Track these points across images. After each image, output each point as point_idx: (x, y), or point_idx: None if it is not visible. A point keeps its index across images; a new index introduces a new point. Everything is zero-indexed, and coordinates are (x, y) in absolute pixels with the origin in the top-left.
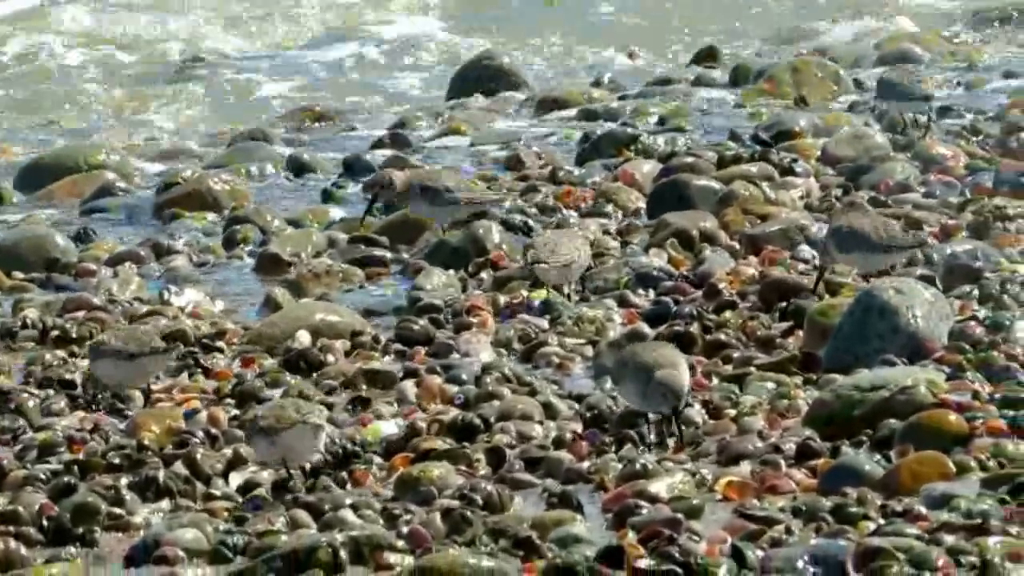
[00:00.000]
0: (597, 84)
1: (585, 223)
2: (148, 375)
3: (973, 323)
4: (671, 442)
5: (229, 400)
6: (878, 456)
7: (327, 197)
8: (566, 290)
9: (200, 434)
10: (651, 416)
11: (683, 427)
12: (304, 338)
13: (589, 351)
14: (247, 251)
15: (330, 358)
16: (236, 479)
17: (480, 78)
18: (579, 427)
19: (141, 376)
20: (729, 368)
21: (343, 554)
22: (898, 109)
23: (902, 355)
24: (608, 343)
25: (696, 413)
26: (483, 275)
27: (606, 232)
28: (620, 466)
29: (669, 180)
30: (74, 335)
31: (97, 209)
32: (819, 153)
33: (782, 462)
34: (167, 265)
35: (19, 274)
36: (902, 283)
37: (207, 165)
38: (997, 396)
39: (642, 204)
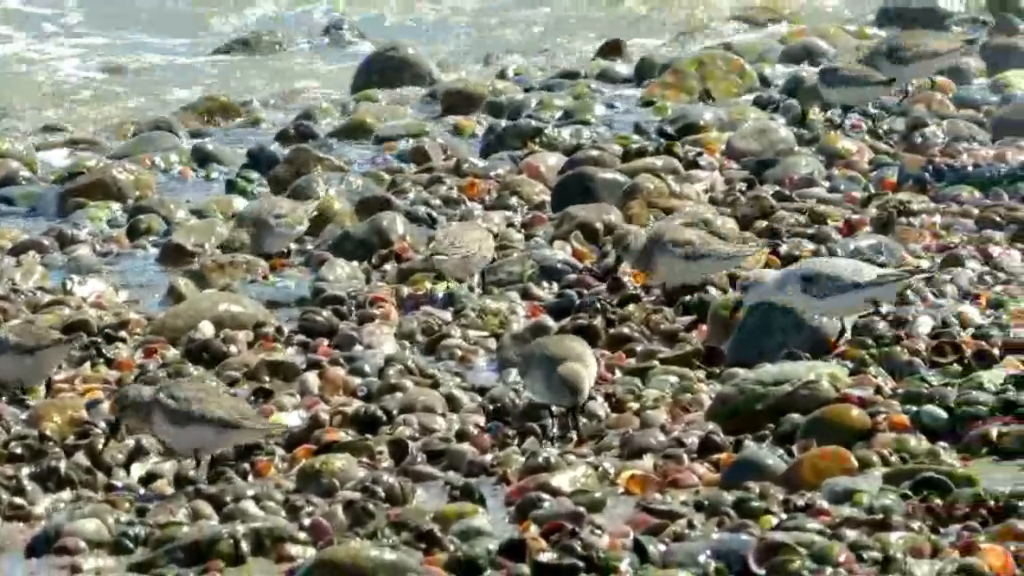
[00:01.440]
0: (502, 76)
1: (489, 215)
2: (49, 368)
3: (876, 318)
4: (574, 435)
5: None
6: (781, 451)
7: (231, 188)
8: (469, 282)
9: (102, 424)
10: (554, 409)
11: (585, 421)
12: (207, 329)
13: (492, 344)
14: (151, 241)
15: (233, 349)
16: (138, 470)
17: (384, 70)
18: (482, 420)
19: (42, 370)
20: (632, 361)
21: (244, 545)
22: (846, 96)
23: (805, 349)
24: (512, 336)
25: (599, 406)
26: (387, 267)
27: (510, 225)
28: (523, 459)
29: (574, 173)
30: None
31: (0, 198)
32: (724, 147)
33: (685, 456)
34: (70, 255)
35: None
36: None
37: (112, 155)
38: (900, 391)
39: (547, 197)
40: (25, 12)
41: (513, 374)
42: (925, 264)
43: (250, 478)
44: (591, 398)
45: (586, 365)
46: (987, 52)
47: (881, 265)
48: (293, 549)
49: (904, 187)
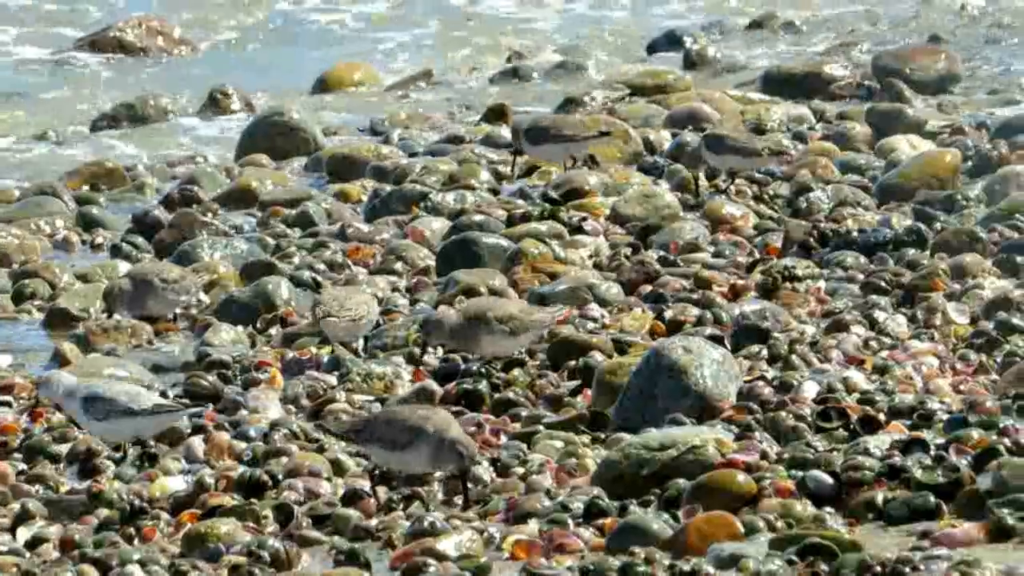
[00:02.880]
0: (387, 141)
1: (374, 280)
2: None
3: (761, 383)
4: (459, 500)
5: (16, 454)
6: (666, 515)
7: (116, 252)
8: (354, 345)
9: None
10: (439, 474)
11: (470, 485)
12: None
13: (377, 407)
14: (36, 306)
15: None
16: (24, 534)
17: (269, 134)
18: (367, 484)
19: None
20: (517, 426)
21: None
22: (730, 164)
23: (691, 414)
24: (398, 401)
25: (484, 471)
26: (272, 331)
27: (395, 289)
28: (408, 524)
29: (459, 238)
30: None
31: None
32: (608, 212)
33: (570, 521)
34: None
35: None
36: (691, 342)
37: None
38: (786, 456)
39: (432, 261)
40: None
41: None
42: None
43: (136, 542)
44: (476, 463)
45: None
46: (873, 117)
47: (765, 332)
48: None
49: (789, 252)
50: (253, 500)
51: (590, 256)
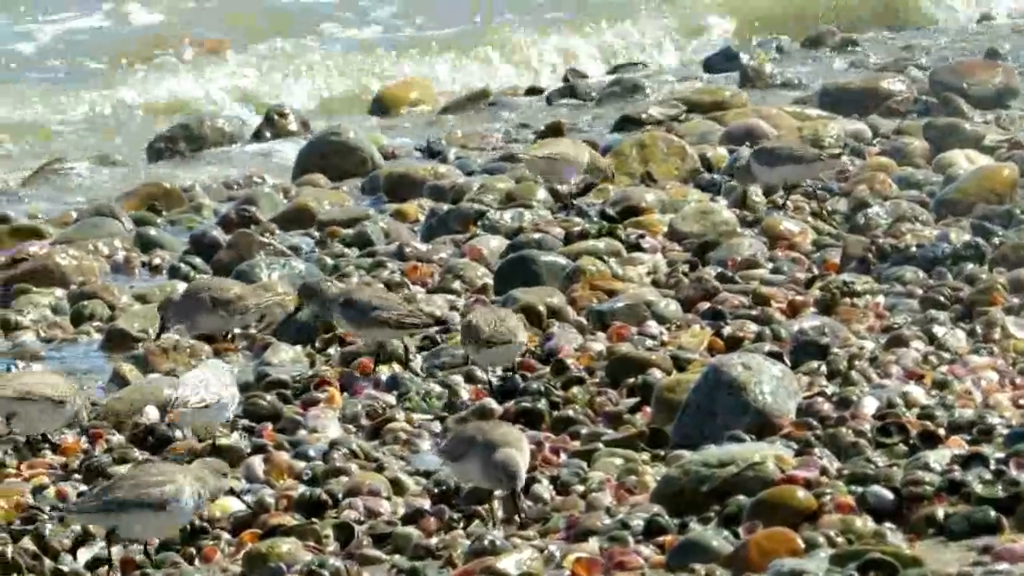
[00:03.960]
0: (443, 160)
1: (432, 299)
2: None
3: (821, 399)
4: (517, 519)
5: (77, 476)
6: (726, 532)
7: (175, 273)
8: (415, 363)
9: (48, 510)
10: (497, 492)
11: (530, 504)
12: (152, 413)
13: (436, 427)
14: (95, 327)
15: (178, 434)
16: (84, 555)
17: (326, 154)
18: (427, 503)
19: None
20: (577, 444)
21: None
22: (785, 175)
23: (750, 431)
24: (456, 420)
25: (544, 489)
26: (331, 351)
27: (453, 308)
28: (468, 542)
29: (516, 256)
30: None
31: None
32: (666, 229)
33: (630, 538)
34: (14, 341)
35: None
36: (750, 359)
37: (54, 241)
38: (845, 472)
39: (489, 280)
40: None
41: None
42: None
43: (197, 563)
44: (535, 481)
45: (521, 450)
46: (930, 132)
47: (824, 348)
48: None
49: (847, 268)
50: (314, 519)
51: (648, 273)
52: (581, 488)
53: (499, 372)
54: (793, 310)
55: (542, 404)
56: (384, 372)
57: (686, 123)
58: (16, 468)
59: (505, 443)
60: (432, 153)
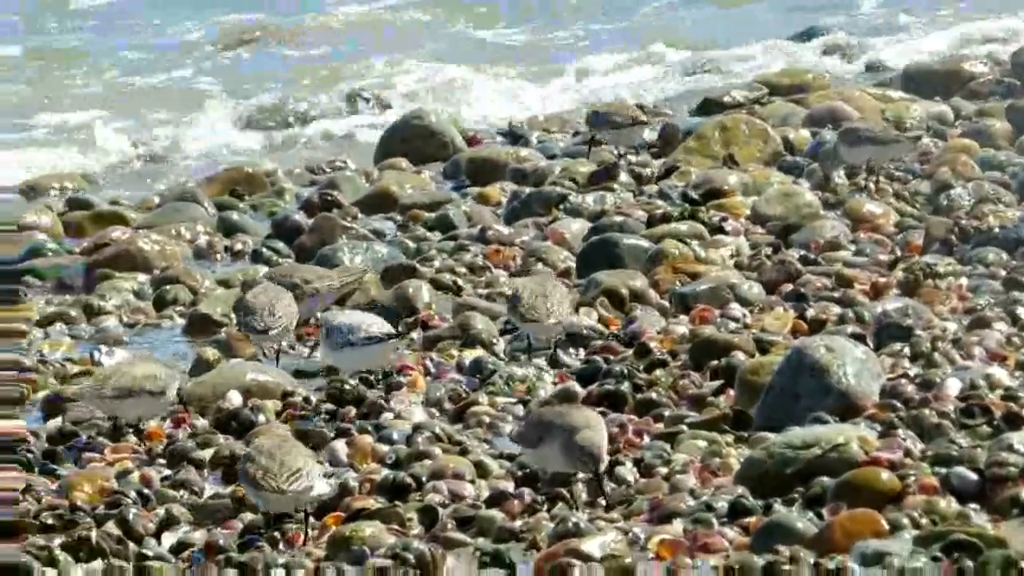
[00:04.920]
0: (526, 144)
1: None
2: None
3: (904, 381)
4: (600, 501)
5: (161, 460)
6: (810, 514)
7: (257, 258)
8: (499, 347)
9: (132, 494)
10: (580, 475)
11: (614, 486)
12: (235, 398)
13: (520, 410)
14: (177, 312)
15: (261, 418)
16: (169, 539)
17: (408, 138)
18: (511, 486)
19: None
20: (660, 426)
21: None
22: (868, 155)
23: (834, 413)
24: (540, 403)
25: (628, 472)
26: (413, 334)
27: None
28: (552, 525)
29: (599, 239)
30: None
31: (27, 270)
32: (748, 211)
33: (714, 520)
34: (97, 326)
35: None
36: (833, 341)
37: (137, 226)
38: (929, 453)
39: (572, 263)
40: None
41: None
42: None
43: (281, 546)
44: (619, 463)
45: (600, 432)
46: (1012, 113)
47: (908, 330)
48: None
49: (930, 250)
50: (397, 503)
51: (731, 256)
52: (665, 470)
53: (582, 355)
54: (876, 292)
55: (625, 387)
56: (468, 356)
57: (768, 105)
58: (100, 453)
59: (585, 426)
60: (514, 137)
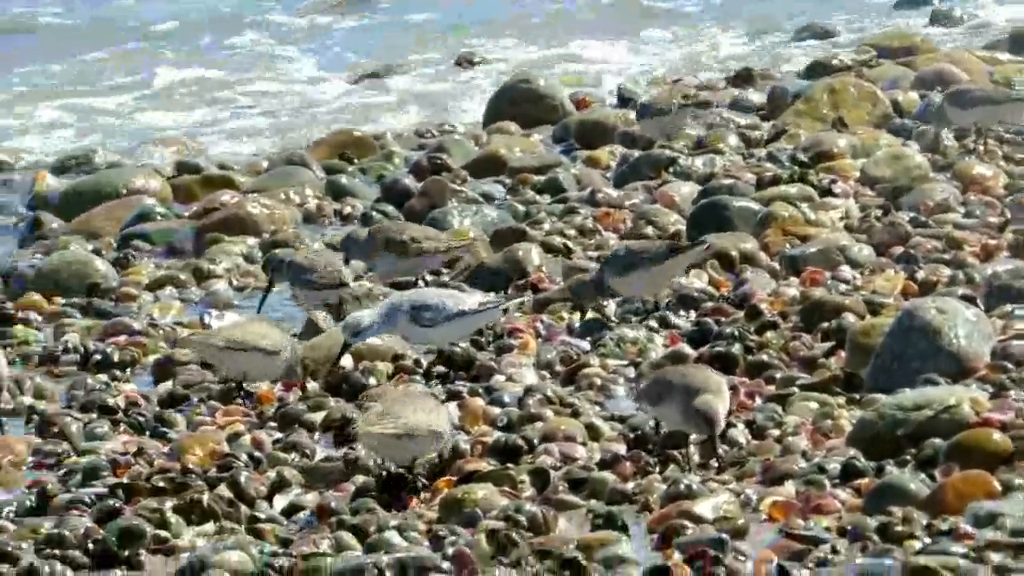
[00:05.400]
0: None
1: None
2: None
3: (1015, 342)
4: (713, 463)
5: (272, 423)
6: (923, 475)
7: (366, 221)
8: (610, 309)
9: (244, 457)
10: (694, 437)
11: (726, 448)
12: (346, 361)
13: (631, 372)
14: None
15: (372, 381)
16: (280, 502)
17: (517, 101)
18: (623, 448)
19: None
20: (772, 388)
21: None
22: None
23: (945, 375)
24: (651, 365)
25: (740, 433)
26: (524, 298)
27: None
28: (665, 487)
29: (709, 201)
30: (115, 360)
31: (137, 234)
32: (858, 174)
33: (827, 482)
34: (207, 290)
35: (60, 299)
36: (944, 303)
37: (246, 190)
38: None
39: (682, 226)
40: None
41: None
42: None
43: (393, 509)
44: (731, 425)
45: (721, 395)
46: None
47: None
48: None
49: None
50: (509, 465)
51: (841, 218)
52: (776, 432)
53: (693, 317)
54: (986, 254)
55: (736, 349)
56: (578, 318)
57: (876, 68)
58: (212, 417)
59: (705, 388)
60: (623, 100)
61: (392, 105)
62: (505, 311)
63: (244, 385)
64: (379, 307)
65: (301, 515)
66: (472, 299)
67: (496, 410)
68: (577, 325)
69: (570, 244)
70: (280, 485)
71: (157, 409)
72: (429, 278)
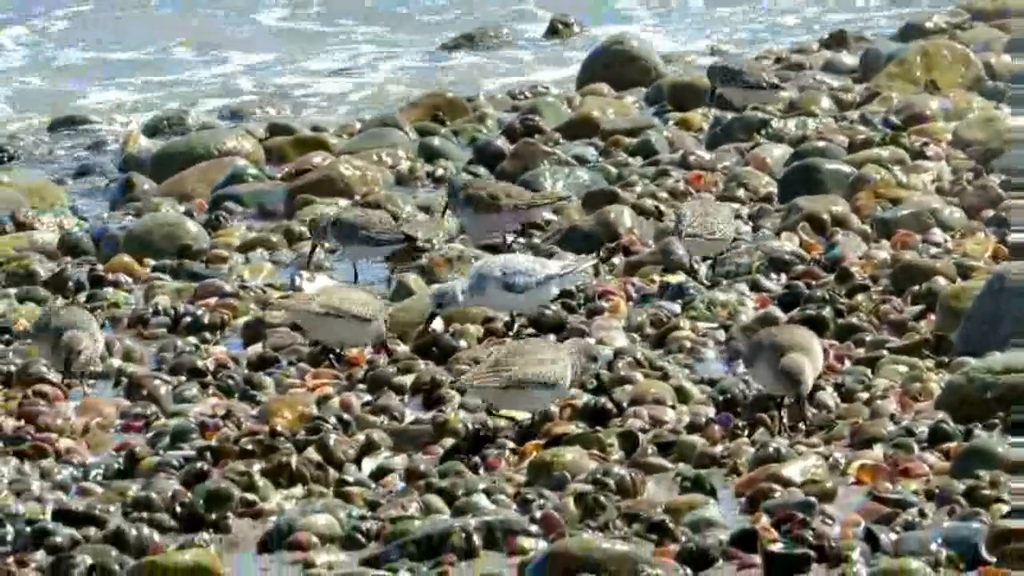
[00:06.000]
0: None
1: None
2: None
3: None
4: (802, 425)
5: (361, 386)
6: (1011, 439)
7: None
8: (700, 272)
9: (332, 420)
10: (784, 400)
11: (815, 411)
12: (437, 323)
13: (721, 335)
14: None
15: (463, 343)
16: (369, 465)
17: (610, 63)
18: (712, 411)
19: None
20: (861, 352)
21: (476, 539)
22: None
23: None
24: (741, 327)
25: (828, 397)
26: (615, 259)
27: (738, 216)
28: (753, 450)
29: (800, 164)
30: (205, 322)
31: (228, 196)
32: (950, 136)
33: (915, 445)
34: (298, 252)
35: (151, 261)
36: None
37: (338, 151)
38: None
39: (773, 188)
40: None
41: (741, 366)
42: None
43: (481, 472)
44: (819, 388)
45: (811, 355)
46: None
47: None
48: (525, 542)
49: None
50: (598, 428)
51: (932, 181)
52: (865, 395)
53: (783, 280)
54: None
55: (827, 312)
56: (670, 281)
57: (970, 31)
58: (301, 379)
59: (792, 347)
60: (715, 54)
61: (484, 67)
62: (596, 272)
63: (334, 348)
64: (468, 275)
65: (389, 478)
66: (555, 263)
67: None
68: (669, 287)
69: (662, 207)
70: (369, 448)
71: (246, 372)
72: (522, 242)
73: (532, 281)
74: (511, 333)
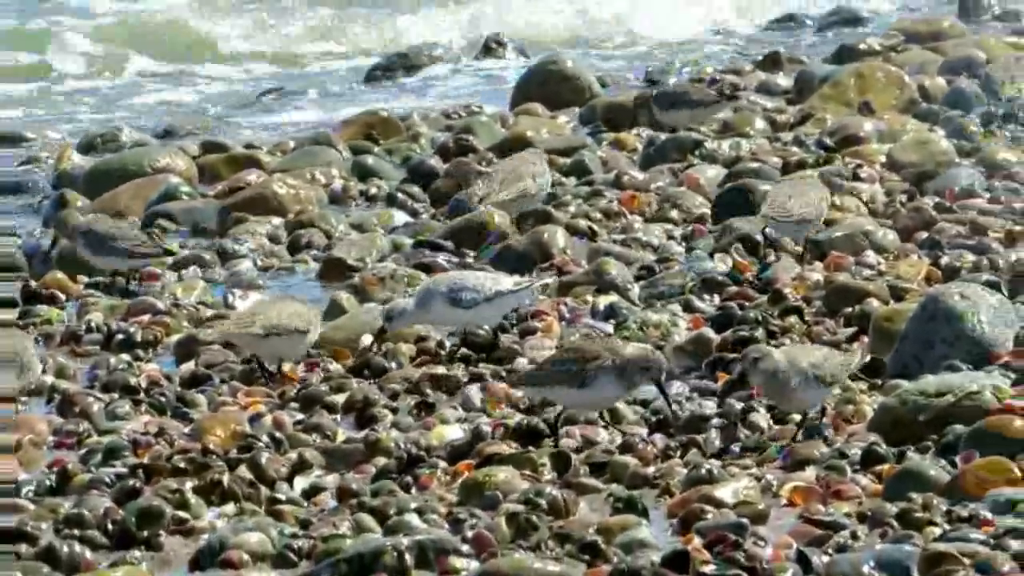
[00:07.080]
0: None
1: (649, 227)
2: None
3: None
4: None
5: (294, 404)
6: (943, 461)
7: (392, 202)
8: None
9: (265, 438)
10: (716, 422)
11: (747, 433)
12: (365, 340)
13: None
14: (312, 256)
15: (393, 364)
16: (301, 483)
17: (544, 83)
18: (644, 432)
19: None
20: None
21: (408, 558)
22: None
23: (967, 361)
24: (673, 348)
25: (761, 418)
26: (548, 280)
27: (671, 237)
28: (685, 471)
29: (734, 185)
30: (138, 339)
31: (161, 213)
32: (884, 158)
33: (848, 467)
34: (231, 269)
35: (84, 279)
36: (968, 289)
37: (272, 169)
38: None
39: (707, 209)
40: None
41: (676, 386)
42: None
43: (413, 491)
44: (753, 410)
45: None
46: None
47: None
48: (457, 562)
49: None
50: (530, 448)
51: (866, 203)
52: (798, 417)
53: (716, 301)
54: (1011, 239)
55: (759, 333)
56: (603, 301)
57: (904, 53)
58: (233, 397)
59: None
60: (651, 83)
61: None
62: (546, 288)
63: (266, 365)
64: (415, 293)
65: (321, 497)
66: (507, 280)
67: (518, 393)
68: (601, 308)
69: (595, 227)
70: (301, 466)
71: (179, 389)
72: (456, 261)
73: (480, 297)
74: (443, 353)
